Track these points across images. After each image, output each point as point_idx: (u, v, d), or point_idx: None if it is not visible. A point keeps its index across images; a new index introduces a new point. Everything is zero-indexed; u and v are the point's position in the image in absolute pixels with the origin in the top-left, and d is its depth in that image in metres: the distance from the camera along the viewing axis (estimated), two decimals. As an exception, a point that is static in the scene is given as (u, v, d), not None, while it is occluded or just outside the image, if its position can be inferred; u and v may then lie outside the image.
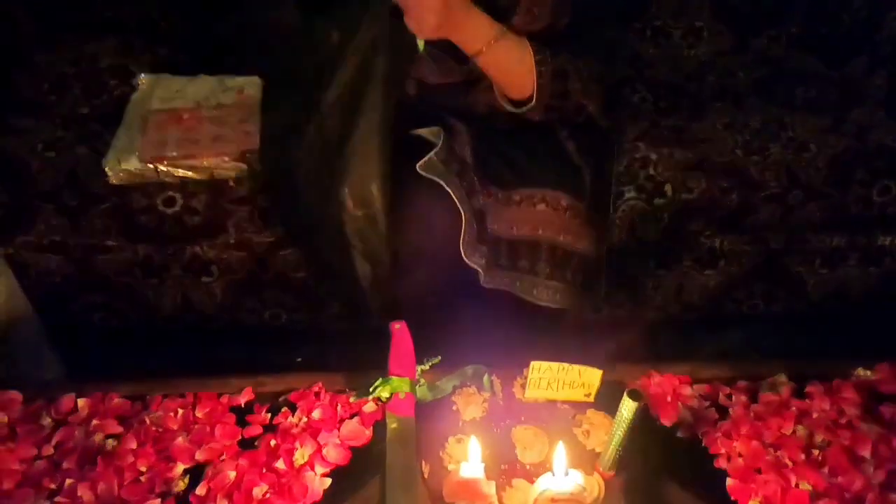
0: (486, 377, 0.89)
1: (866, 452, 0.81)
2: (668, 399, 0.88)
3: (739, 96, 1.63)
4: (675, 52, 1.78)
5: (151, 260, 1.45)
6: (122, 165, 1.38)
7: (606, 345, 1.20)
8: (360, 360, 1.52)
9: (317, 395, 0.91)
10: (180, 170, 1.40)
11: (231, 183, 1.43)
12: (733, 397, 0.89)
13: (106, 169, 1.38)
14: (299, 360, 1.61)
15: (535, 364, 0.87)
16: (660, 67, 1.75)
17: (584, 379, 0.86)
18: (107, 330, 1.57)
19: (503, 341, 1.40)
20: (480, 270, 1.18)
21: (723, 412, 0.89)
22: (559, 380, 0.85)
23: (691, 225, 1.48)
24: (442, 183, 1.10)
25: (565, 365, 0.86)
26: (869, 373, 0.92)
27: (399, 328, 0.91)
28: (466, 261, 1.17)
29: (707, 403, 0.89)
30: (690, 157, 1.48)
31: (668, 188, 1.45)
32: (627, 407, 0.76)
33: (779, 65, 1.72)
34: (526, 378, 0.88)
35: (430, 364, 0.92)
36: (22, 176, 1.42)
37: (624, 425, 0.78)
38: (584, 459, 0.85)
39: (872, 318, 1.60)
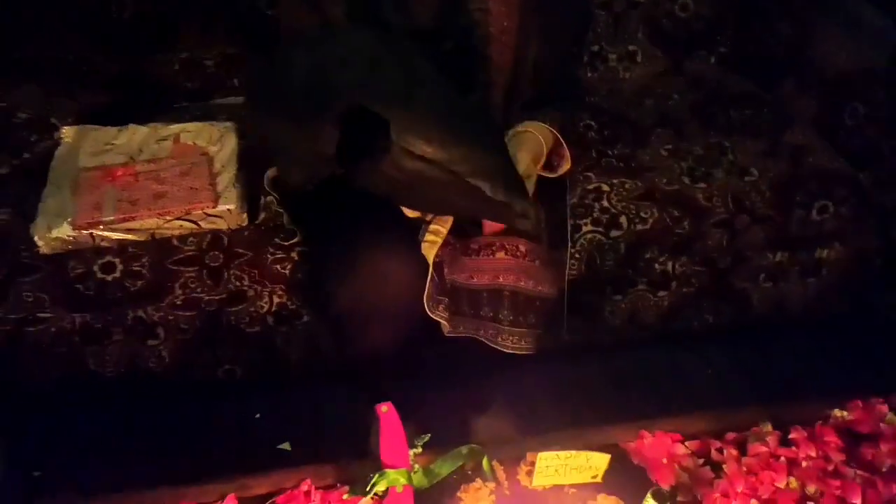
0: (485, 462, 0.87)
1: (857, 500, 0.84)
2: (664, 461, 0.89)
3: (679, 121, 1.67)
4: (612, 76, 1.81)
5: (90, 327, 1.35)
6: (54, 233, 1.28)
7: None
8: (320, 405, 1.51)
9: (307, 494, 0.86)
10: (118, 233, 1.31)
11: (175, 242, 1.35)
12: (724, 451, 0.91)
13: (35, 238, 1.28)
14: (258, 415, 1.55)
15: (542, 455, 0.85)
16: (599, 92, 1.77)
17: (592, 463, 0.85)
18: (46, 398, 1.45)
19: (472, 388, 1.41)
20: (444, 322, 1.17)
21: (716, 468, 0.90)
22: (566, 465, 0.85)
23: (646, 253, 1.50)
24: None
25: (573, 452, 0.85)
26: (846, 413, 0.96)
27: (387, 412, 0.87)
28: (430, 314, 1.15)
29: (701, 461, 0.91)
30: (640, 187, 1.50)
31: (623, 220, 1.47)
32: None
33: (713, 87, 1.77)
34: (529, 463, 0.87)
35: (421, 444, 0.89)
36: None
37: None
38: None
39: (813, 326, 1.68)
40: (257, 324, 1.42)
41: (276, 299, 1.39)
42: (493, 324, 1.20)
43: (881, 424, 0.93)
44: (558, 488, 0.86)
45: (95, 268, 1.31)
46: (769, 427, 0.94)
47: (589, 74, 1.80)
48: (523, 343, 1.19)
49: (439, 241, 1.18)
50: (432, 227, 1.19)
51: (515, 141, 1.20)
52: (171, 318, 1.37)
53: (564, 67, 1.31)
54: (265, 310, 1.40)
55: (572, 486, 0.86)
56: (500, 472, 0.86)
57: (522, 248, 1.19)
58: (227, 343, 1.44)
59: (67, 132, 1.47)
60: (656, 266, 1.52)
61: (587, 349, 1.58)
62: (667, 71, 1.81)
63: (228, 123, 1.51)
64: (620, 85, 1.79)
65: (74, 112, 1.51)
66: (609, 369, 1.53)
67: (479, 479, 0.86)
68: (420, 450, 0.88)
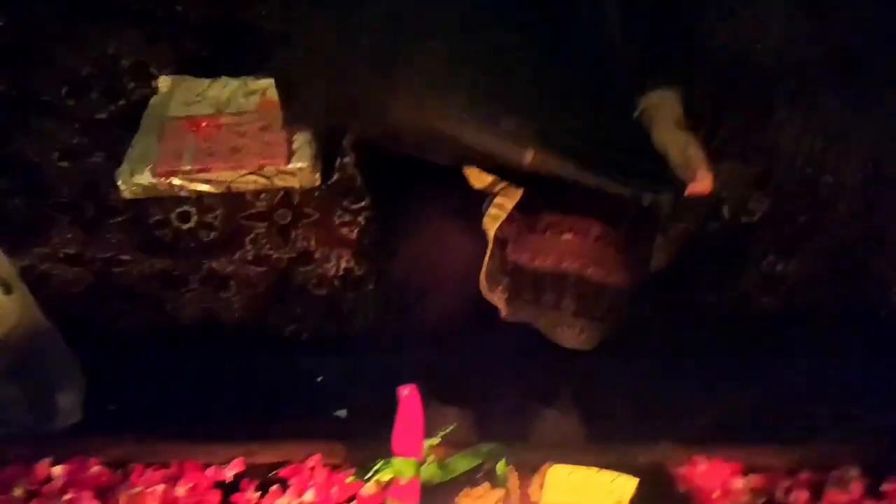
0: (501, 465, 0.78)
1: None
2: (717, 494, 0.76)
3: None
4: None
5: (168, 273, 1.38)
6: (135, 179, 1.30)
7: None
8: (387, 377, 1.48)
9: (312, 470, 0.82)
10: (195, 184, 1.31)
11: (248, 197, 1.34)
12: (794, 493, 0.76)
13: (119, 183, 1.31)
14: (320, 378, 1.54)
15: (553, 469, 0.75)
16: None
17: (617, 485, 0.74)
18: (128, 338, 1.52)
19: (521, 382, 1.31)
20: (501, 305, 1.08)
21: (780, 512, 0.76)
22: (583, 484, 0.74)
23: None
24: None
25: (592, 470, 0.74)
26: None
27: (408, 395, 0.80)
28: (487, 295, 1.06)
29: (762, 501, 0.77)
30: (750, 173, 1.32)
31: (724, 210, 1.30)
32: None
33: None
34: (543, 475, 0.77)
35: (441, 435, 0.82)
36: (38, 185, 1.37)
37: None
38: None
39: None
40: (325, 286, 1.40)
41: (343, 263, 1.36)
42: (554, 312, 1.09)
43: None
44: (573, 507, 0.76)
45: (172, 216, 1.33)
46: (856, 471, 0.78)
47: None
48: (583, 337, 1.08)
49: (503, 215, 1.08)
50: (498, 199, 1.10)
51: (648, 115, 1.01)
52: (242, 271, 1.38)
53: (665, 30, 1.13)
54: (332, 273, 1.38)
55: (590, 508, 0.75)
56: (514, 480, 0.77)
57: (595, 231, 1.07)
58: (294, 302, 1.44)
59: (163, 81, 1.49)
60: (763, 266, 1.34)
61: (661, 350, 1.42)
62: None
63: (316, 80, 1.48)
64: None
65: (174, 61, 1.53)
66: (680, 374, 1.36)
67: (487, 484, 0.77)
68: (437, 441, 0.80)
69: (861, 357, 1.29)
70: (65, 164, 1.39)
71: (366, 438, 0.84)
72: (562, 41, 0.97)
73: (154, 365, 1.54)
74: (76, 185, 1.36)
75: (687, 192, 0.94)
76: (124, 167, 1.34)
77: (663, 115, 1.01)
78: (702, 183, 0.92)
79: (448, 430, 0.84)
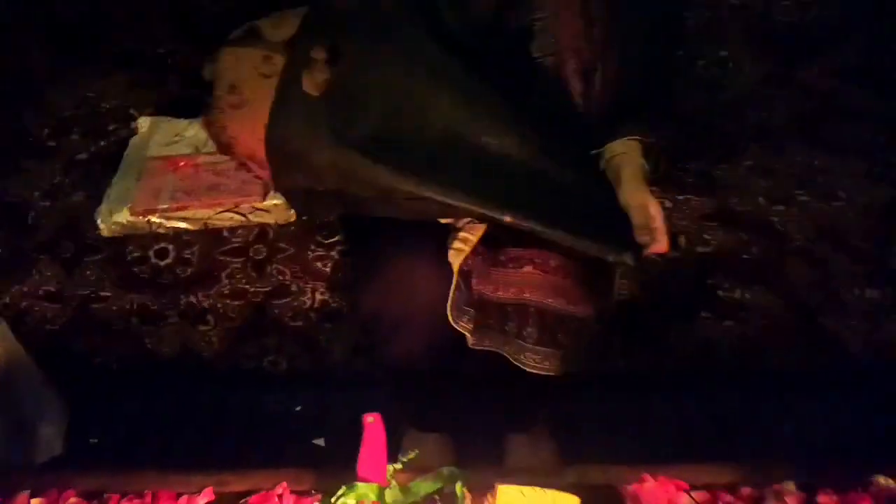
0: (458, 487, 0.82)
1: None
2: (661, 510, 0.80)
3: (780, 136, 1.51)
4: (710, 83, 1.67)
5: (147, 308, 1.42)
6: (114, 218, 1.36)
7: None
8: (363, 407, 1.51)
9: (280, 497, 0.85)
10: (173, 221, 1.37)
11: (225, 233, 1.39)
12: (733, 508, 0.81)
13: (98, 222, 1.36)
14: (298, 408, 1.57)
15: (502, 489, 0.80)
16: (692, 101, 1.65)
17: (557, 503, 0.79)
18: (109, 372, 1.55)
19: (496, 406, 1.36)
20: (468, 334, 1.12)
21: (721, 525, 0.81)
22: (532, 503, 0.79)
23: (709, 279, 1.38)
24: None
25: (536, 489, 0.79)
26: (891, 482, 0.83)
27: (372, 422, 0.84)
28: (454, 324, 1.11)
29: (704, 514, 0.81)
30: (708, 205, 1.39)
31: (682, 240, 1.36)
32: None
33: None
34: (495, 495, 0.81)
35: (404, 461, 0.86)
36: (20, 224, 1.41)
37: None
38: None
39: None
40: (300, 318, 1.44)
41: (318, 296, 1.40)
42: (517, 340, 1.14)
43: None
44: (522, 527, 0.80)
45: (151, 253, 1.37)
46: (791, 486, 0.83)
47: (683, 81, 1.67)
48: (547, 364, 1.12)
49: (467, 249, 1.14)
50: (461, 234, 1.15)
51: (614, 165, 1.09)
52: (219, 305, 1.42)
53: (649, 75, 1.21)
54: (308, 305, 1.42)
55: (539, 526, 0.79)
56: (468, 502, 0.81)
57: (553, 263, 1.12)
58: (272, 334, 1.48)
59: (143, 122, 1.55)
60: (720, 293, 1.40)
61: (631, 378, 1.47)
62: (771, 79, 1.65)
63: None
64: (717, 93, 1.65)
65: (153, 103, 1.59)
66: (649, 404, 1.41)
67: (441, 504, 0.81)
68: (400, 466, 0.85)
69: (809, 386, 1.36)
70: (46, 203, 1.43)
71: (333, 465, 0.88)
72: (529, 107, 1.05)
73: (134, 398, 1.56)
74: (57, 223, 1.40)
75: (645, 253, 1.01)
76: (103, 206, 1.39)
77: (628, 170, 1.07)
78: (660, 245, 1.01)
79: (411, 456, 0.88)
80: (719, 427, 1.26)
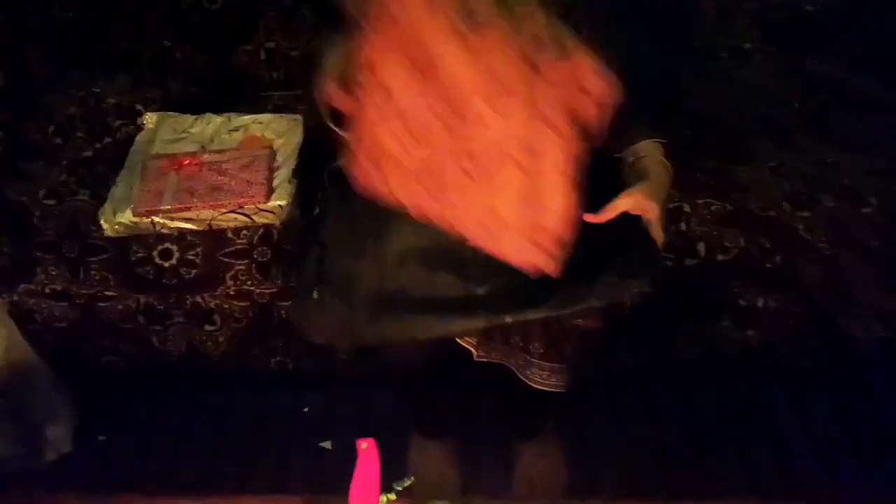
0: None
1: None
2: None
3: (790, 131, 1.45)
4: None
5: (153, 308, 1.41)
6: (117, 218, 1.34)
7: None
8: (370, 409, 1.50)
9: (270, 523, 0.84)
10: (176, 222, 1.35)
11: (229, 234, 1.36)
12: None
13: (101, 222, 1.34)
14: (306, 409, 1.56)
15: None
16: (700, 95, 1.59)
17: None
18: (116, 371, 1.54)
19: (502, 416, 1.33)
20: (472, 349, 1.09)
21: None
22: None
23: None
24: None
25: None
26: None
27: (366, 448, 0.82)
28: (459, 340, 1.08)
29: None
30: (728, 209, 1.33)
31: (700, 247, 1.31)
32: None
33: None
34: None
35: (399, 489, 0.83)
36: (25, 224, 1.39)
37: None
38: None
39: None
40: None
41: (324, 298, 1.37)
42: (524, 354, 1.10)
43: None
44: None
45: (154, 253, 1.35)
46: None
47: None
48: (553, 380, 1.09)
49: None
50: None
51: (642, 167, 1.05)
52: (225, 306, 1.40)
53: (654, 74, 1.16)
54: (314, 307, 1.38)
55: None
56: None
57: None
58: (279, 335, 1.46)
59: (149, 118, 1.53)
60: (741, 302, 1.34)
61: (640, 381, 1.43)
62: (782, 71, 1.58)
63: (298, 116, 1.51)
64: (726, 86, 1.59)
65: (159, 100, 1.57)
66: (661, 408, 1.37)
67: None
68: (394, 497, 0.82)
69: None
70: (51, 202, 1.42)
71: (325, 493, 0.85)
72: None
73: (141, 397, 1.57)
74: (61, 223, 1.38)
75: None
76: (107, 206, 1.37)
77: (656, 169, 1.04)
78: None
79: (407, 484, 0.85)
80: (732, 430, 1.22)
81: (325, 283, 1.06)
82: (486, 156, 0.92)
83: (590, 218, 0.97)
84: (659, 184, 1.02)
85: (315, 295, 1.07)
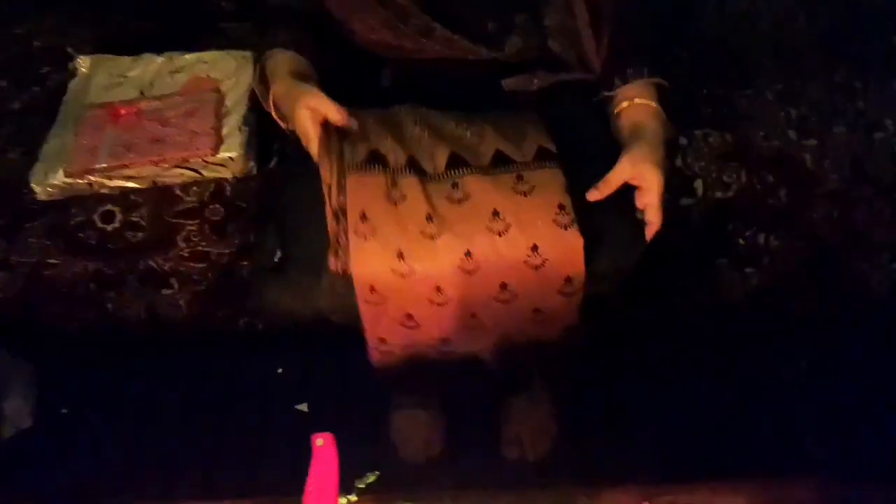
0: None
1: None
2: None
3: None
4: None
5: (103, 273, 1.29)
6: (49, 180, 1.20)
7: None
8: (349, 370, 1.42)
9: (216, 535, 0.75)
10: (115, 181, 1.21)
11: (177, 191, 1.23)
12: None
13: (33, 185, 1.20)
14: (280, 370, 1.47)
15: None
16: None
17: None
18: (75, 344, 1.45)
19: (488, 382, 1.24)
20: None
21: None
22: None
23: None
24: None
25: None
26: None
27: (322, 445, 0.72)
28: None
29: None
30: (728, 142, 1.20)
31: (698, 185, 1.19)
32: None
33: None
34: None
35: (361, 486, 0.74)
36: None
37: None
38: None
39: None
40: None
41: (288, 255, 1.25)
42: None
43: None
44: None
45: (95, 217, 1.23)
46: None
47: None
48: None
49: None
50: None
51: (629, 117, 0.89)
52: (181, 268, 1.29)
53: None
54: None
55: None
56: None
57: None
58: (243, 295, 1.35)
59: (83, 62, 1.37)
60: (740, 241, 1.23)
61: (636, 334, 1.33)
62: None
63: (248, 53, 1.35)
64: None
65: (93, 41, 1.40)
66: (656, 362, 1.27)
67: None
68: (355, 497, 0.73)
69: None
70: (-23, 162, 1.28)
71: (277, 494, 0.77)
72: None
73: (105, 367, 1.47)
74: (-9, 185, 1.25)
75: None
76: (38, 166, 1.24)
77: (651, 127, 0.88)
78: (652, 226, 0.85)
79: (370, 479, 0.76)
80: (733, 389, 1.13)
81: (287, 249, 0.94)
82: None
83: (592, 196, 0.83)
84: (657, 145, 0.86)
85: (276, 259, 0.95)
